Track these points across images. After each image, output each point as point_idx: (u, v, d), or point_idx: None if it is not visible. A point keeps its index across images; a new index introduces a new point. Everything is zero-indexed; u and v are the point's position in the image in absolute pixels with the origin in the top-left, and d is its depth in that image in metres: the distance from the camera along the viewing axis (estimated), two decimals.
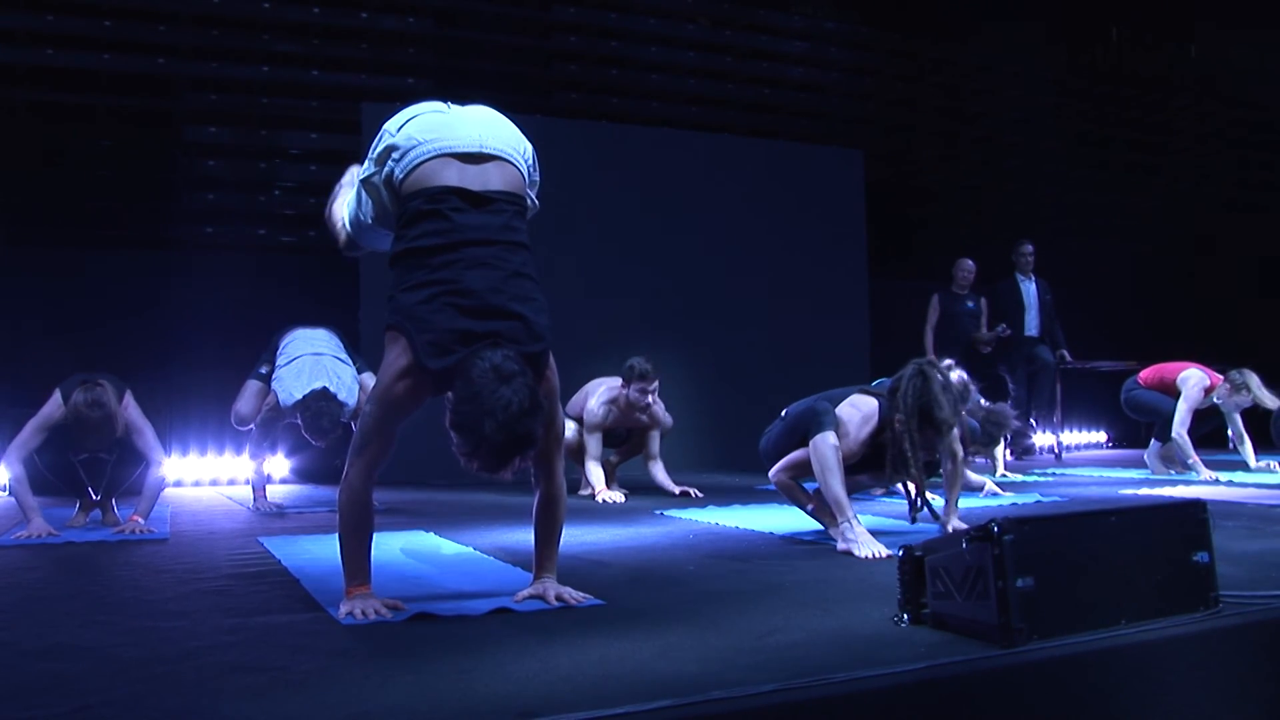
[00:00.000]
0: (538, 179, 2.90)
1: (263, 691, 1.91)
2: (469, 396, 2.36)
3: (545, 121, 8.41)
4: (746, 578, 3.11)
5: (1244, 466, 6.74)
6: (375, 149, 2.74)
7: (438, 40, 8.78)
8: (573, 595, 2.67)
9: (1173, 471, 6.82)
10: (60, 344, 6.75)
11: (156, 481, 4.66)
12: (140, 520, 4.49)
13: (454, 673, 2.01)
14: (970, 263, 8.75)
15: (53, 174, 7.61)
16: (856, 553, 3.49)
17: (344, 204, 3.07)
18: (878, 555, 3.43)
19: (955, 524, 4.02)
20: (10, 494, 4.66)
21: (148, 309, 7.27)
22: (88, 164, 7.70)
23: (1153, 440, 7.05)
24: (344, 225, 3.05)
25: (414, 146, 2.65)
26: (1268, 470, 6.61)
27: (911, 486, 3.73)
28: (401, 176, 2.65)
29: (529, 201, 2.81)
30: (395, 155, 2.67)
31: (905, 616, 2.36)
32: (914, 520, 3.81)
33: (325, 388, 5.06)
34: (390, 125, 2.74)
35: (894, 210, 9.93)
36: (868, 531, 3.60)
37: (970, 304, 8.75)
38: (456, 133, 2.67)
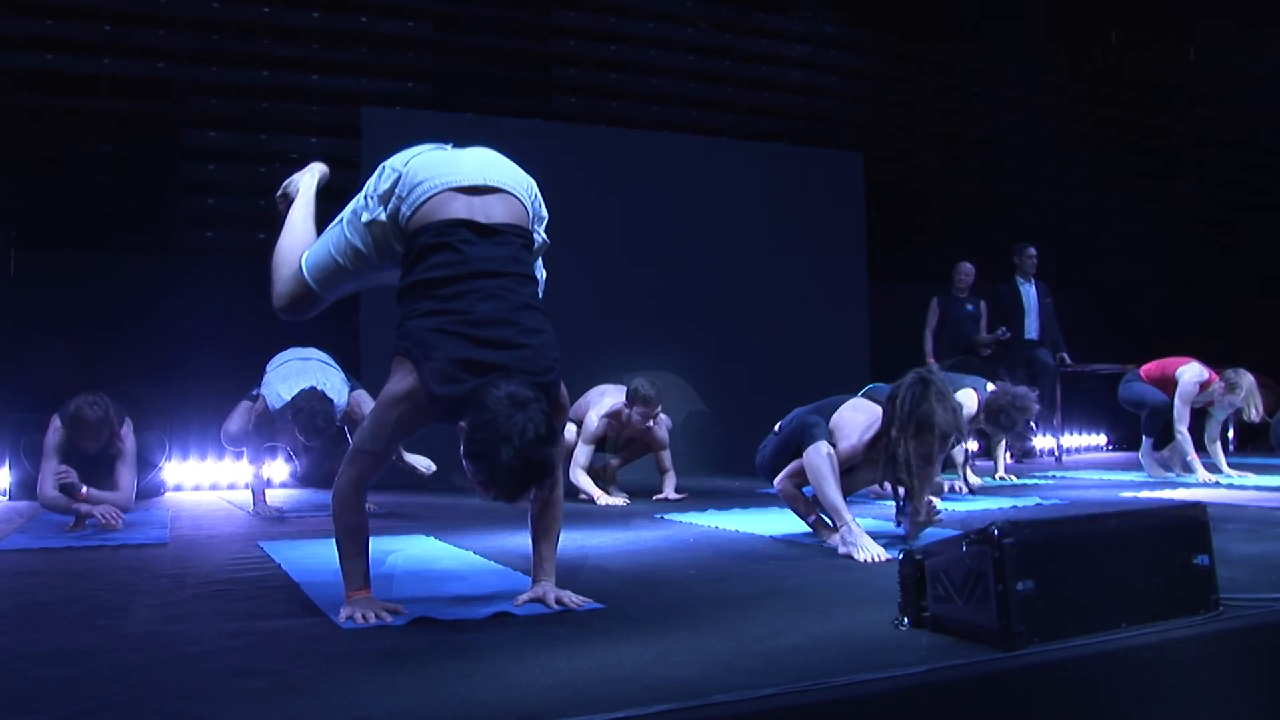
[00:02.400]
0: (544, 215, 2.88)
1: (263, 696, 1.91)
2: (484, 424, 2.34)
3: (545, 125, 8.43)
4: (747, 581, 3.11)
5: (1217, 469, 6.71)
6: (378, 188, 2.71)
7: (437, 44, 8.78)
8: (572, 599, 2.67)
9: (1172, 473, 6.81)
10: (60, 348, 6.75)
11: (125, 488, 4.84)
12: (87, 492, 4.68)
13: (454, 677, 2.01)
14: (969, 265, 8.76)
15: (53, 178, 7.60)
16: (856, 556, 3.50)
17: (302, 250, 2.91)
18: (877, 558, 3.45)
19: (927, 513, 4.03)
20: (50, 506, 4.76)
21: (148, 313, 7.27)
22: (87, 168, 7.70)
23: (1144, 438, 7.01)
24: (301, 273, 2.86)
25: (419, 183, 2.64)
26: (1238, 477, 6.57)
27: (901, 491, 3.72)
28: (408, 214, 2.64)
29: (536, 238, 2.82)
30: (400, 192, 2.66)
31: (906, 620, 2.36)
32: (899, 524, 3.81)
33: (313, 387, 5.09)
34: (393, 163, 2.72)
35: (894, 213, 9.94)
36: (867, 535, 3.62)
37: (970, 307, 8.76)
38: (460, 169, 2.67)
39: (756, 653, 2.16)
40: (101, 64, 7.76)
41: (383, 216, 2.70)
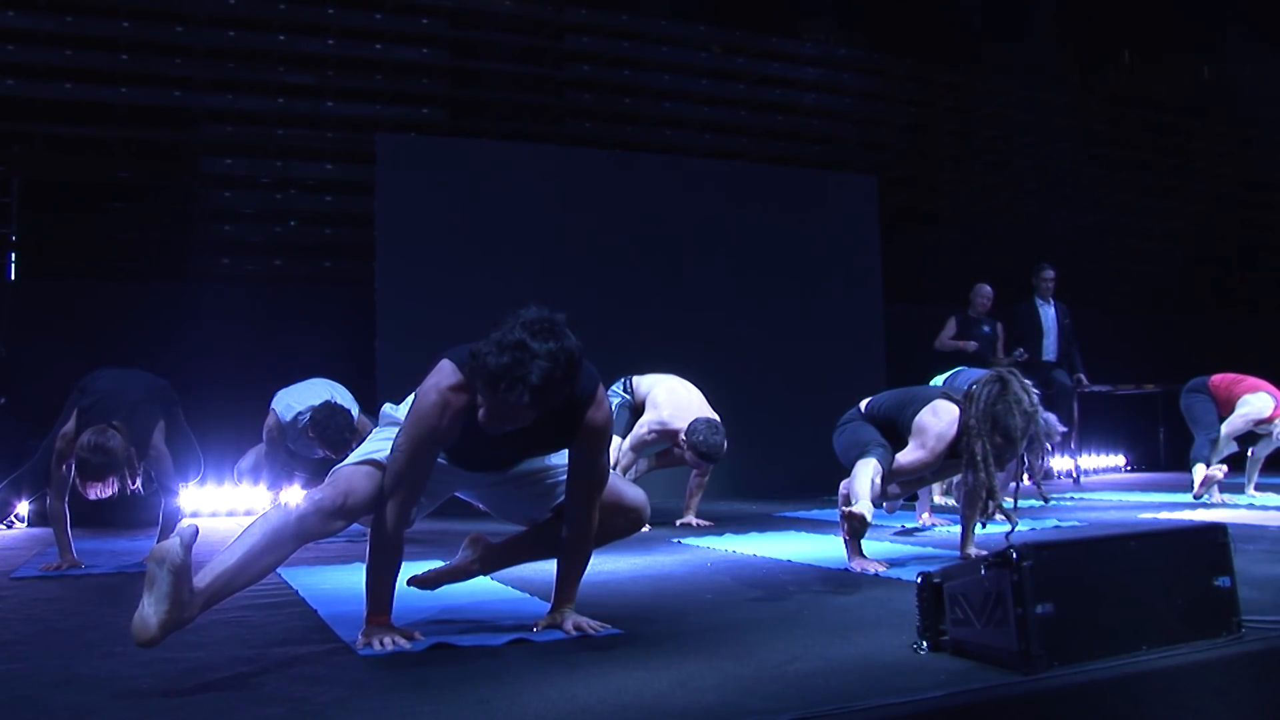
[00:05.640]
0: None
1: None
2: (514, 338, 2.35)
3: (559, 151, 8.45)
4: (764, 606, 3.10)
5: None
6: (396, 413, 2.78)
7: (452, 71, 8.83)
8: (590, 625, 2.66)
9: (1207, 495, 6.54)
10: (78, 376, 6.77)
11: (173, 512, 4.52)
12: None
13: (472, 703, 2.01)
14: (989, 289, 8.71)
15: (70, 206, 7.66)
16: (854, 568, 3.70)
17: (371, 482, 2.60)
18: (877, 571, 3.63)
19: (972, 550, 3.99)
20: (52, 518, 4.52)
21: (165, 340, 7.28)
22: (105, 196, 7.76)
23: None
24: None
25: None
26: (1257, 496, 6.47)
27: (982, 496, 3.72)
28: None
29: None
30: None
31: (924, 644, 2.35)
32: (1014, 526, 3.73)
33: (327, 400, 5.09)
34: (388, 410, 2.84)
35: (909, 235, 9.93)
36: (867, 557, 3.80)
37: (986, 329, 8.71)
38: None
39: (775, 677, 2.15)
40: (118, 93, 7.83)
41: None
